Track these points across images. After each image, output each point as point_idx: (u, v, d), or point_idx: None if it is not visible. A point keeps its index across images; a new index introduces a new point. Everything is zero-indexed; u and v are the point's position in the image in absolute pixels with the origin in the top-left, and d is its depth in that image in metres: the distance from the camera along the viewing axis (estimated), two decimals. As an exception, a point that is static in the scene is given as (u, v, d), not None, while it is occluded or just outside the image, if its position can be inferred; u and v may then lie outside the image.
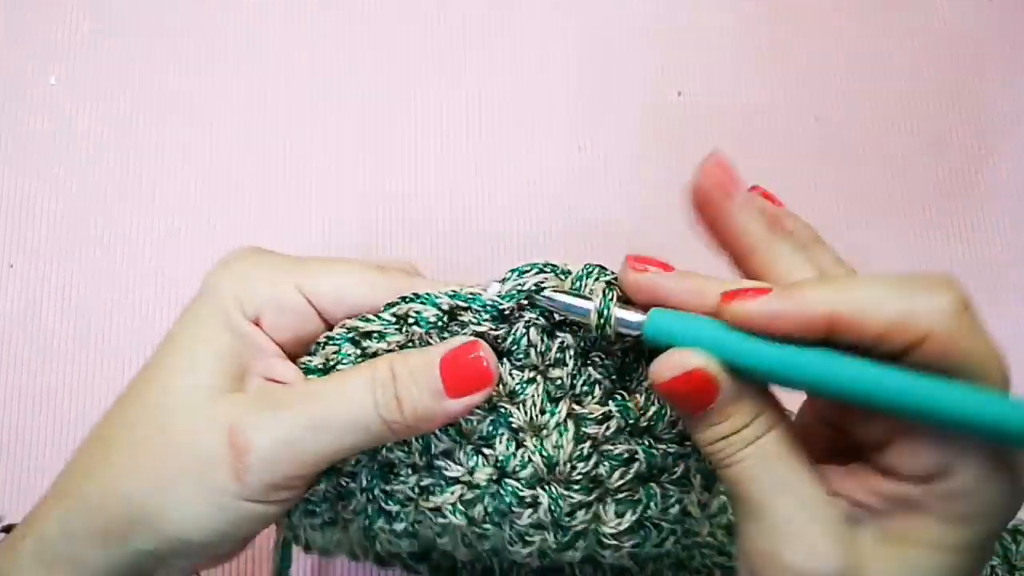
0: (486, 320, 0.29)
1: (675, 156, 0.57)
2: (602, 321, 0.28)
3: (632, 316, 0.28)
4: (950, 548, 0.25)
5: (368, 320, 0.30)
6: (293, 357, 0.31)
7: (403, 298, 0.30)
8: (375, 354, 0.30)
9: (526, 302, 0.29)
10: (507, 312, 0.29)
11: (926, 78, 0.60)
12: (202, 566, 0.32)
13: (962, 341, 0.23)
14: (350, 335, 0.30)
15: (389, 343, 0.30)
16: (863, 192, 0.57)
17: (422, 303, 0.29)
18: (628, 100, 0.58)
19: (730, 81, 0.59)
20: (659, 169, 0.57)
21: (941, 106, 0.60)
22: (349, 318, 0.31)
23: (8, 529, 0.31)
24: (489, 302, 0.29)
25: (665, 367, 0.26)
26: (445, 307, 0.29)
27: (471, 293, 0.29)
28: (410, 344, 0.30)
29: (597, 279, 0.29)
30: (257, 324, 0.30)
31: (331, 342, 0.31)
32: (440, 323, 0.29)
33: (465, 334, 0.29)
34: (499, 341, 0.30)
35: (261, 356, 0.30)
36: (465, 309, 0.29)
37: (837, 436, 0.29)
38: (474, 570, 0.42)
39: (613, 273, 0.30)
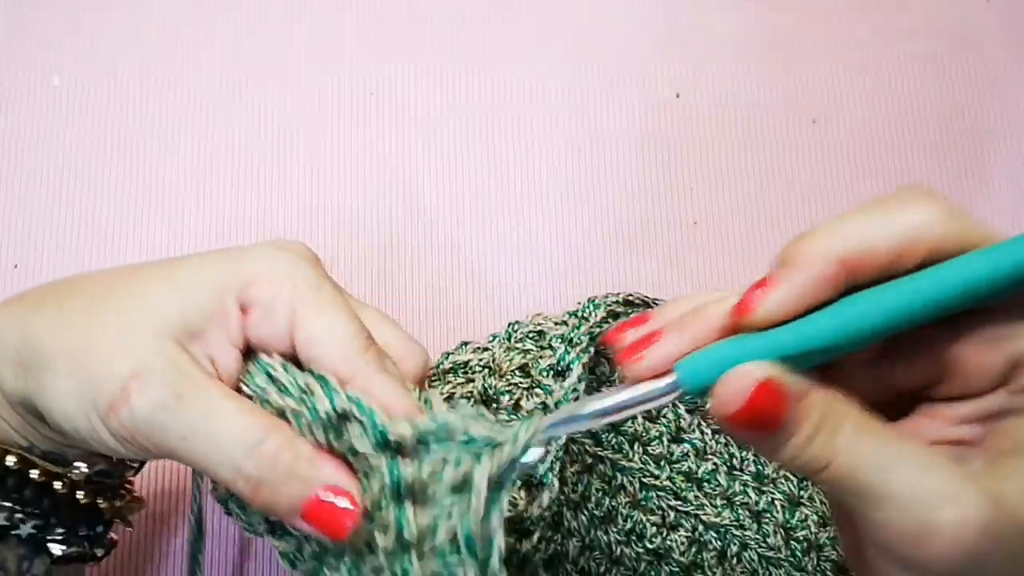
0: (369, 444, 0.28)
1: (675, 157, 0.57)
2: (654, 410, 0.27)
3: (662, 382, 0.26)
4: None
5: (284, 367, 0.30)
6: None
7: (320, 376, 0.29)
8: (270, 401, 0.30)
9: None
10: (394, 444, 0.28)
11: (926, 78, 0.60)
12: (93, 460, 0.33)
13: (966, 235, 0.24)
14: (267, 369, 0.30)
15: (284, 403, 0.29)
16: (863, 193, 0.58)
17: (324, 389, 0.29)
18: (628, 100, 0.58)
19: (729, 82, 0.59)
20: (659, 169, 0.57)
21: (941, 106, 0.60)
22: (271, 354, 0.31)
23: None
24: (380, 427, 0.28)
25: (728, 397, 0.24)
26: (339, 408, 0.28)
27: (369, 408, 0.28)
28: (300, 414, 0.29)
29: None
30: (244, 311, 0.30)
31: (254, 362, 0.31)
32: (328, 420, 0.29)
33: (350, 445, 0.29)
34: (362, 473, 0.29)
35: (222, 340, 0.30)
36: (356, 421, 0.28)
37: (886, 396, 0.27)
38: None
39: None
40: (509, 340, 0.44)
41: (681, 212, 0.56)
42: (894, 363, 0.26)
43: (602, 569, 0.44)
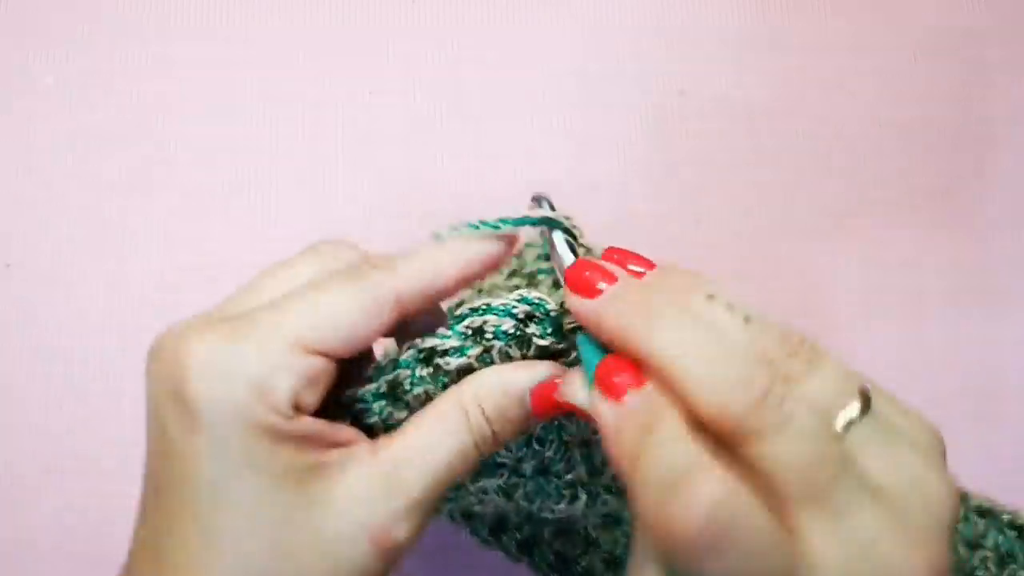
0: (549, 335, 0.29)
1: (676, 156, 0.57)
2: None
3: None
4: None
5: (442, 337, 0.29)
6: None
7: (473, 309, 0.29)
8: (456, 370, 0.29)
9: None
10: (568, 327, 0.29)
11: (926, 78, 0.60)
12: None
13: None
14: (421, 356, 0.29)
15: (469, 357, 0.29)
16: (864, 193, 0.57)
17: (496, 315, 0.29)
18: (628, 100, 0.58)
19: (732, 81, 0.59)
20: (660, 169, 0.56)
21: (941, 107, 0.60)
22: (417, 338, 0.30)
23: None
24: (552, 312, 0.29)
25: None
26: (521, 316, 0.29)
27: (538, 298, 0.29)
28: (486, 355, 0.29)
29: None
30: (299, 408, 0.26)
31: (400, 366, 0.29)
32: (518, 333, 0.29)
33: (528, 347, 0.29)
34: (557, 357, 0.30)
35: (319, 441, 0.27)
36: (533, 318, 0.29)
37: None
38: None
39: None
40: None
41: (683, 211, 0.56)
42: None
43: (578, 552, 0.44)
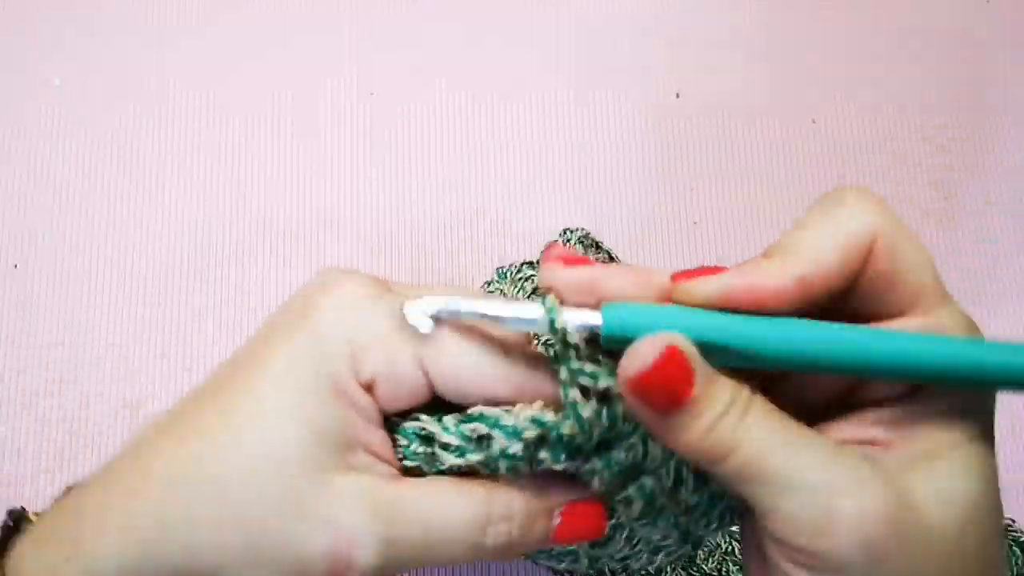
0: (563, 461, 0.26)
1: (675, 157, 0.57)
2: (556, 327, 0.24)
3: (583, 317, 0.24)
4: (967, 440, 0.25)
5: (445, 430, 0.26)
6: None
7: (478, 416, 0.26)
8: (446, 465, 0.27)
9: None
10: (582, 447, 0.26)
11: (926, 78, 0.60)
12: None
13: (899, 235, 0.24)
14: (423, 433, 0.27)
15: (468, 461, 0.26)
16: (863, 192, 0.58)
17: (504, 434, 0.26)
18: (628, 100, 0.58)
19: (730, 82, 0.59)
20: (659, 170, 0.57)
21: (941, 107, 0.60)
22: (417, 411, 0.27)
23: (12, 516, 0.29)
24: (565, 437, 0.25)
25: (636, 358, 0.23)
26: (531, 440, 0.25)
27: (552, 419, 0.25)
28: (488, 465, 0.26)
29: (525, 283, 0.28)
30: (370, 389, 0.26)
31: (399, 432, 0.27)
32: (526, 455, 0.26)
33: (536, 467, 0.26)
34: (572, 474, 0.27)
35: (369, 428, 0.26)
36: (544, 442, 0.26)
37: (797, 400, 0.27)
38: None
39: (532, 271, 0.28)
40: (507, 278, 0.47)
41: (681, 212, 0.56)
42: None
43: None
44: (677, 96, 0.58)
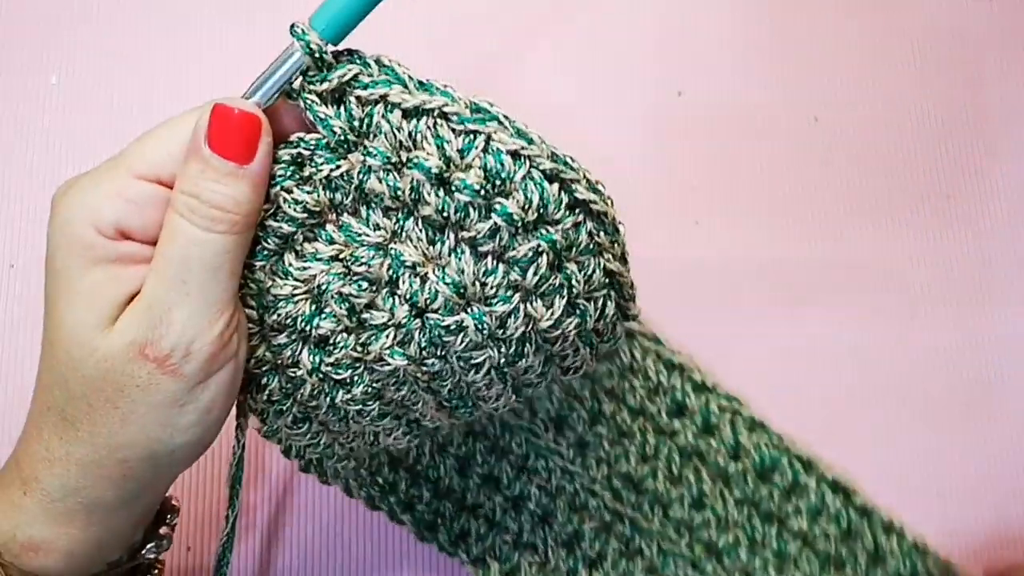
0: (324, 164, 0.31)
1: (675, 156, 0.57)
2: (312, 49, 0.31)
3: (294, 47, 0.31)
4: None
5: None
6: None
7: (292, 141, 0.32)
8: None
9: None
10: (340, 147, 0.31)
11: (926, 78, 0.60)
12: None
13: None
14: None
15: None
16: (863, 192, 0.58)
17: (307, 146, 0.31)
18: (628, 100, 0.58)
19: (730, 81, 0.59)
20: (659, 169, 0.57)
21: (941, 106, 0.60)
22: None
23: None
24: (322, 139, 0.31)
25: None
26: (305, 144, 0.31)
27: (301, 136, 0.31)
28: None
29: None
30: (126, 236, 0.30)
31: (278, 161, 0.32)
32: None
33: (312, 187, 0.31)
34: (348, 182, 0.31)
35: (145, 266, 0.30)
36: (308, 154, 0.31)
37: None
38: (451, 528, 0.45)
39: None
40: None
41: (682, 211, 0.56)
42: None
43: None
44: (679, 94, 0.58)
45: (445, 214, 0.30)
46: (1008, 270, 0.56)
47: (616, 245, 0.34)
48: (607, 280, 0.33)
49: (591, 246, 0.32)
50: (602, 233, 0.33)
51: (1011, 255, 0.57)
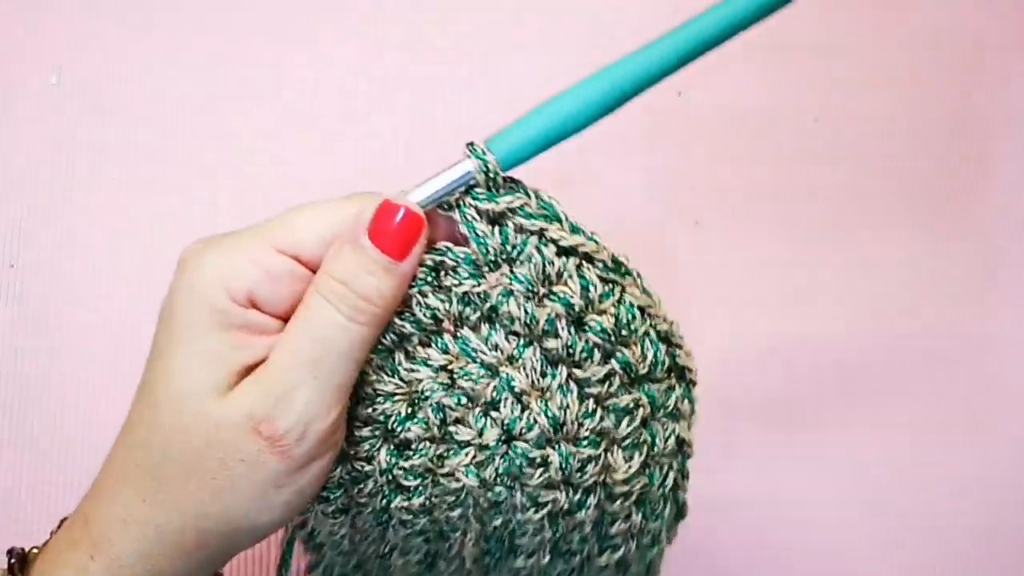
0: (466, 279, 0.32)
1: (675, 156, 0.57)
2: (488, 170, 0.32)
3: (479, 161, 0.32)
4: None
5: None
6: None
7: (436, 249, 0.32)
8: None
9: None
10: (485, 266, 0.32)
11: (926, 78, 0.60)
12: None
13: None
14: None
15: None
16: (863, 193, 0.58)
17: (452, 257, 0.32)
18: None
19: (730, 81, 0.59)
20: (659, 169, 0.57)
21: (941, 106, 0.60)
22: None
23: (14, 553, 0.31)
24: (471, 254, 0.32)
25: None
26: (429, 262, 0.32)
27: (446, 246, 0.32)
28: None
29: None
30: (254, 305, 0.30)
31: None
32: (431, 278, 0.32)
33: (447, 297, 0.32)
34: (483, 300, 0.32)
35: (267, 337, 0.30)
36: (450, 268, 0.32)
37: None
38: None
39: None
40: None
41: (682, 212, 0.56)
42: None
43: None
44: (679, 95, 0.58)
45: (571, 350, 0.32)
46: (1008, 270, 0.57)
47: (692, 416, 0.35)
48: (677, 448, 0.35)
49: (674, 411, 0.34)
50: (686, 401, 0.34)
51: (1011, 255, 0.57)
